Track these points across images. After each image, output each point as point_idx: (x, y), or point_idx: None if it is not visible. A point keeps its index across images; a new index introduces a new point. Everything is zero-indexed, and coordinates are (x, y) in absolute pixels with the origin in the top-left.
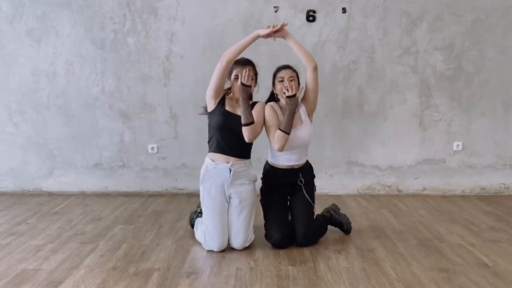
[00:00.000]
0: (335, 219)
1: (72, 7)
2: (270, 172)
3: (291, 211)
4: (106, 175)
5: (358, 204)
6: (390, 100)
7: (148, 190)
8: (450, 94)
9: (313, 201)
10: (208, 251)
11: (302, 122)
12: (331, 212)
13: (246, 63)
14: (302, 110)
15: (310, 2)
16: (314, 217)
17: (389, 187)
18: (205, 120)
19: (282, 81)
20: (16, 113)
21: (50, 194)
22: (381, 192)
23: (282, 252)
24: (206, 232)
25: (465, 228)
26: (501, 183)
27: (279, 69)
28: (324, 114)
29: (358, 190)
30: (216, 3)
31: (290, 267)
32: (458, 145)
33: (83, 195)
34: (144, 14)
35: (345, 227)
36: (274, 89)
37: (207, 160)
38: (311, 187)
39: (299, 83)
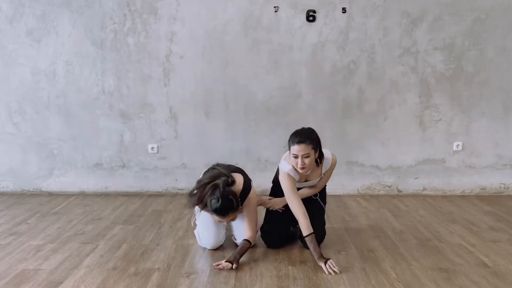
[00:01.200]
0: None
1: (72, 7)
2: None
3: None
4: (106, 175)
5: (358, 204)
6: (390, 100)
7: (148, 190)
8: (450, 94)
9: (325, 203)
10: (208, 250)
11: (320, 175)
12: None
13: (226, 212)
14: (324, 169)
15: (310, 2)
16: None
17: (389, 187)
18: (204, 120)
19: (296, 157)
20: (16, 113)
21: (50, 194)
22: (381, 192)
23: (282, 252)
24: (200, 233)
25: (465, 228)
26: (501, 183)
27: (293, 141)
28: (324, 114)
29: (358, 190)
30: (216, 3)
31: (290, 267)
32: (458, 145)
33: (83, 195)
34: (144, 14)
35: None
36: (289, 155)
37: None
38: (323, 190)
39: (316, 153)
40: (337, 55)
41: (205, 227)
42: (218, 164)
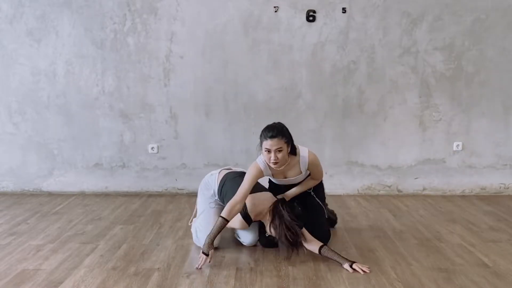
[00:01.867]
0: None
1: (72, 7)
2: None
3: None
4: (106, 175)
5: (358, 204)
6: (390, 100)
7: (148, 190)
8: (450, 94)
9: (324, 203)
10: None
11: (300, 172)
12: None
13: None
14: (303, 167)
15: (310, 2)
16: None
17: (389, 187)
18: (204, 120)
19: (269, 151)
20: (16, 113)
21: (50, 194)
22: (381, 192)
23: (282, 252)
24: (198, 229)
25: (465, 228)
26: (501, 183)
27: (265, 136)
28: (324, 114)
29: (358, 190)
30: (216, 3)
31: (290, 267)
32: (458, 145)
33: (83, 195)
34: (144, 14)
35: (335, 223)
36: (261, 151)
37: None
38: (321, 190)
39: (288, 147)
40: (337, 55)
41: (207, 227)
42: (238, 175)
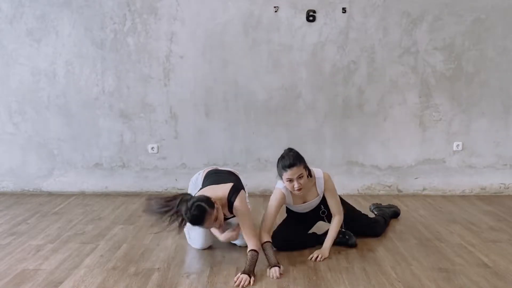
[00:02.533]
0: (391, 214)
1: (72, 7)
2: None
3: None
4: (106, 175)
5: (358, 204)
6: (390, 100)
7: (148, 190)
8: (450, 94)
9: (354, 209)
10: (208, 251)
11: (318, 195)
12: (381, 215)
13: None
14: (319, 189)
15: (310, 2)
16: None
17: (389, 187)
18: (204, 120)
19: (291, 181)
20: (16, 113)
21: (50, 194)
22: (381, 192)
23: (282, 252)
24: (190, 227)
25: (465, 228)
26: (501, 183)
27: (284, 167)
28: (324, 114)
29: (358, 190)
30: (216, 3)
31: (290, 267)
32: (458, 145)
33: (83, 195)
34: (144, 14)
35: (399, 214)
36: (282, 180)
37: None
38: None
39: (306, 171)
40: (337, 55)
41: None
42: (215, 172)
